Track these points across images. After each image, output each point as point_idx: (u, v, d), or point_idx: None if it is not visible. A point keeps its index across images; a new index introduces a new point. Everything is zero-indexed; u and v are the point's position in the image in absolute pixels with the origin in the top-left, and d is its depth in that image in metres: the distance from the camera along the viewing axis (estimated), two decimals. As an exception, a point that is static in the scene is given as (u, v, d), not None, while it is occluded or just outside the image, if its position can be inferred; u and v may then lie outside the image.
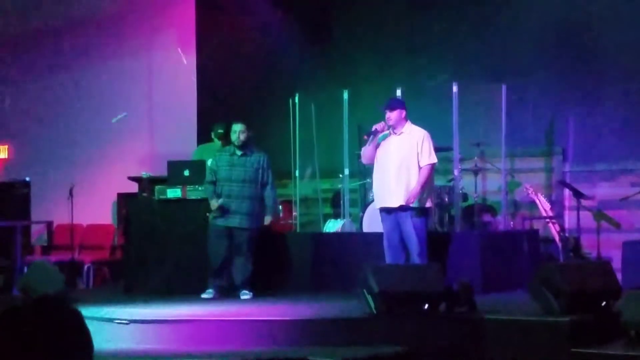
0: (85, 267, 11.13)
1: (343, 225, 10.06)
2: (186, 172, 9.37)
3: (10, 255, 10.98)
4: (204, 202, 9.09)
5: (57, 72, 12.84)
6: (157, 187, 9.48)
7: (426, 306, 6.95)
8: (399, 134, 8.25)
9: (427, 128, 8.36)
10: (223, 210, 8.72)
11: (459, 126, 9.62)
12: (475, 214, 10.07)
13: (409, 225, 8.11)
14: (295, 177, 10.70)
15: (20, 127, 12.84)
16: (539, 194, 9.93)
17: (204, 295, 8.76)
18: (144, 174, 10.05)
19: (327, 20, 12.05)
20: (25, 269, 10.16)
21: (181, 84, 12.58)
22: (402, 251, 8.21)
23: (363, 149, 8.47)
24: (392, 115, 8.21)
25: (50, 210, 11.97)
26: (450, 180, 9.91)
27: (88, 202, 11.44)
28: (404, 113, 8.26)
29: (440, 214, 9.55)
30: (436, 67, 11.06)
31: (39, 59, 12.87)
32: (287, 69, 11.85)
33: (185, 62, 11.83)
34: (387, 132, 8.27)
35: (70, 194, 10.26)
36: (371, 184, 9.27)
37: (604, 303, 6.85)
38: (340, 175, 10.38)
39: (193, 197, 9.33)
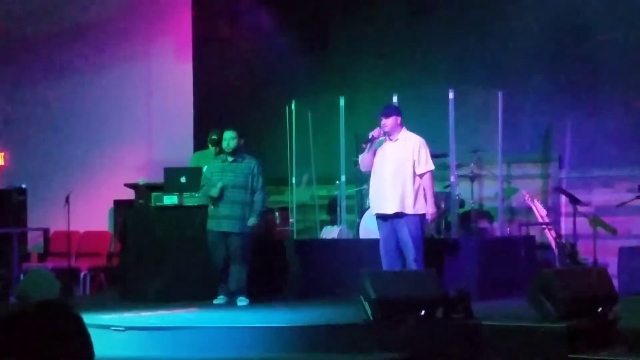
0: (82, 274, 11.12)
1: (339, 232, 10.07)
2: (183, 179, 9.38)
3: (6, 263, 10.96)
4: (201, 209, 9.11)
5: (54, 80, 12.84)
6: (153, 194, 9.48)
7: (423, 312, 6.95)
8: (395, 141, 8.26)
9: (423, 135, 8.36)
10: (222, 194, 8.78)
11: (456, 133, 9.63)
12: (472, 220, 10.08)
13: (405, 231, 8.11)
14: (291, 183, 10.70)
15: (17, 135, 12.84)
16: (536, 200, 9.94)
17: (215, 301, 8.80)
18: (140, 181, 10.05)
19: (323, 27, 12.06)
20: (22, 276, 10.15)
21: (178, 91, 12.59)
22: (398, 257, 8.21)
23: (361, 156, 8.48)
24: (388, 122, 8.22)
25: (46, 217, 11.95)
26: (447, 187, 9.91)
27: (85, 209, 11.43)
28: (399, 119, 8.27)
29: (437, 220, 9.54)
30: (433, 74, 11.07)
31: (35, 67, 12.87)
32: (284, 76, 11.87)
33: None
34: (382, 138, 8.27)
35: (67, 201, 10.25)
36: (367, 190, 9.27)
37: (600, 309, 6.86)
38: (337, 182, 10.38)
39: (190, 204, 9.34)
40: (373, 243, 8.67)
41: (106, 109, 12.69)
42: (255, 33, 12.26)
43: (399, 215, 8.12)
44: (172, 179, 9.44)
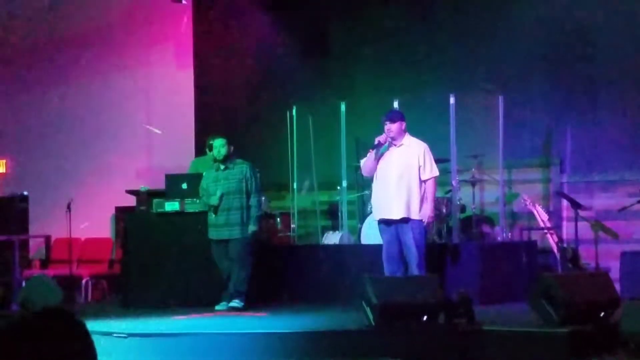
0: (84, 281, 11.11)
1: (341, 237, 10.07)
2: (184, 186, 9.39)
3: (8, 270, 10.96)
4: (202, 215, 9.12)
5: (55, 87, 12.84)
6: (155, 201, 9.49)
7: (425, 318, 6.95)
8: (399, 146, 8.28)
9: (424, 139, 8.38)
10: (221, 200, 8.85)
11: (457, 137, 9.64)
12: (474, 225, 10.08)
13: (409, 236, 8.11)
14: (293, 189, 10.70)
15: (18, 142, 12.83)
16: (537, 205, 9.93)
17: (217, 308, 8.81)
18: (142, 187, 10.06)
19: (324, 32, 12.07)
20: (24, 283, 10.15)
21: (179, 98, 12.59)
22: (400, 263, 8.21)
23: (363, 161, 8.47)
24: (393, 127, 8.23)
25: (48, 224, 11.95)
26: (448, 192, 9.91)
27: (86, 216, 11.44)
28: (404, 125, 8.29)
29: (438, 225, 9.55)
30: (434, 79, 11.07)
31: (36, 74, 12.86)
32: (285, 81, 11.87)
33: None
34: (387, 143, 8.27)
35: (69, 208, 10.24)
36: (369, 195, 9.27)
37: (602, 314, 6.86)
38: (338, 187, 10.38)
39: (191, 211, 9.35)
40: (374, 248, 8.67)
41: (107, 115, 12.69)
42: (256, 39, 12.26)
43: (404, 221, 8.13)
44: (174, 185, 9.45)
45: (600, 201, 10.40)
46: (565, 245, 9.67)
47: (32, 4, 12.93)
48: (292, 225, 10.67)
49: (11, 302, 9.71)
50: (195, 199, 9.25)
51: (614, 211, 9.93)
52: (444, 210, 9.66)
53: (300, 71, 11.74)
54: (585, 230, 9.74)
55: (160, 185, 9.71)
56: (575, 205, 9.75)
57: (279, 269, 9.61)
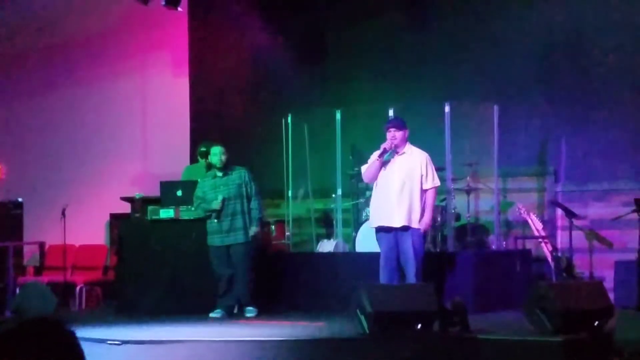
0: (78, 287, 11.08)
1: (336, 245, 10.07)
2: (179, 193, 9.39)
3: (2, 276, 10.93)
4: (196, 223, 9.12)
5: (50, 93, 12.85)
6: (149, 208, 9.49)
7: (419, 326, 6.95)
8: (401, 154, 8.30)
9: (419, 148, 8.40)
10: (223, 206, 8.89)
11: (452, 146, 9.65)
12: (468, 233, 10.08)
13: (409, 244, 8.12)
14: (288, 197, 10.70)
15: (13, 148, 12.82)
16: (532, 214, 9.94)
17: (212, 315, 8.82)
18: (136, 194, 10.05)
19: (319, 40, 12.08)
20: (18, 290, 10.13)
21: (174, 104, 12.60)
22: (397, 271, 8.22)
23: (364, 167, 8.46)
24: (399, 135, 8.25)
25: (42, 230, 11.94)
26: (443, 200, 9.92)
27: (81, 222, 11.42)
28: (407, 133, 8.34)
29: (433, 233, 9.56)
30: (429, 88, 11.09)
31: (31, 80, 12.87)
32: (280, 89, 11.88)
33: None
34: (391, 150, 8.28)
35: (63, 214, 10.23)
36: (364, 203, 9.27)
37: (596, 322, 6.86)
38: (333, 195, 10.38)
39: (186, 218, 9.35)
40: (369, 256, 8.67)
41: (103, 122, 12.70)
42: (252, 47, 12.28)
43: (404, 229, 8.14)
44: (168, 192, 9.45)
45: (595, 210, 10.41)
46: (559, 254, 9.68)
47: (29, 9, 12.92)
48: (287, 233, 10.67)
49: (5, 309, 9.70)
50: (190, 206, 9.26)
51: (608, 220, 9.94)
52: (439, 219, 9.68)
53: (295, 79, 11.76)
54: (579, 239, 9.75)
55: (155, 192, 9.71)
56: (570, 214, 9.77)
57: (274, 276, 9.60)
